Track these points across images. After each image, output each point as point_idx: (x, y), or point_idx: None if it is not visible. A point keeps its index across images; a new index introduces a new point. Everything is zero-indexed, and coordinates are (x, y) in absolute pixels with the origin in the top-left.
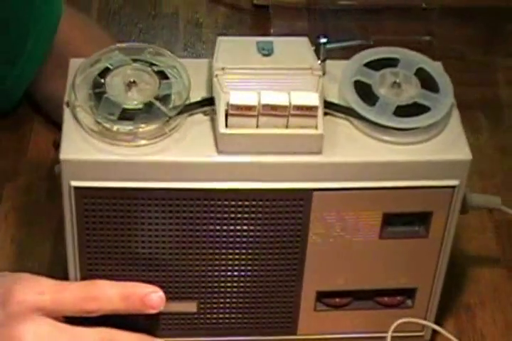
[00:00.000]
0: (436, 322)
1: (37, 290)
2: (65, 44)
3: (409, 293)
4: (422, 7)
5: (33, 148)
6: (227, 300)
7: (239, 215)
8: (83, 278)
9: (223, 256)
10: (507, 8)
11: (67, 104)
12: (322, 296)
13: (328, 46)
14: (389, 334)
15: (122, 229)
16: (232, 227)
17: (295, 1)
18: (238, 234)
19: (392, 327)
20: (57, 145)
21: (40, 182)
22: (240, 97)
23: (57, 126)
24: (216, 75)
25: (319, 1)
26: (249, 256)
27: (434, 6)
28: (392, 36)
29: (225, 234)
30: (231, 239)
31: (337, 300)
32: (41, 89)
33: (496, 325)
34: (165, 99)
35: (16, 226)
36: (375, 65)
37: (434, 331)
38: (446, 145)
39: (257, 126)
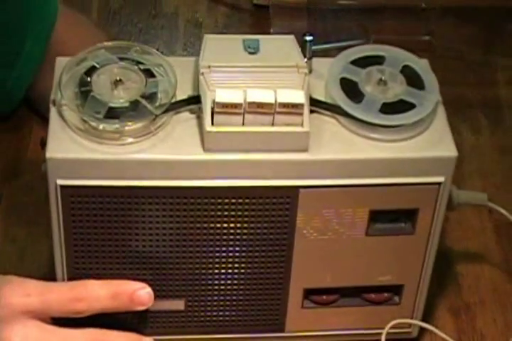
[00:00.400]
0: (436, 322)
1: (23, 292)
2: (61, 44)
3: (396, 289)
4: (422, 7)
5: (33, 148)
6: (215, 298)
7: (225, 213)
8: (70, 276)
9: (210, 254)
10: (507, 8)
11: (54, 103)
12: (309, 293)
13: (328, 46)
14: (384, 332)
15: (109, 228)
16: (218, 225)
17: (295, 1)
18: (225, 231)
19: (387, 328)
20: (43, 144)
21: (40, 182)
22: (225, 95)
23: None
24: (202, 73)
25: (319, 1)
26: (237, 254)
27: (434, 6)
28: (392, 36)
29: (211, 231)
30: (218, 237)
31: (324, 297)
32: (37, 89)
33: (496, 325)
34: (151, 97)
35: (16, 226)
36: (361, 62)
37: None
38: (432, 142)
39: (243, 124)
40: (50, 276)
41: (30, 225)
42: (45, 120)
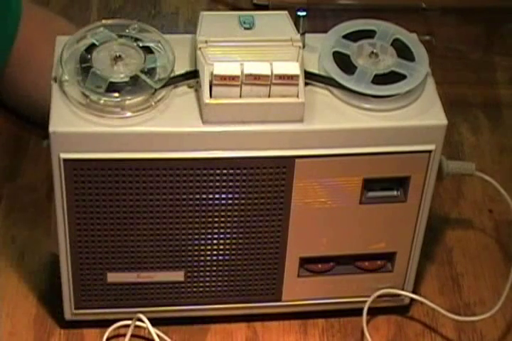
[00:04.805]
0: (436, 321)
1: None
2: (28, 43)
3: (389, 257)
4: (422, 7)
5: (33, 148)
6: (214, 268)
7: (224, 183)
8: (72, 250)
9: (209, 225)
10: (507, 8)
11: (55, 80)
12: (305, 262)
13: None
14: (370, 299)
15: (111, 200)
16: (217, 195)
17: (295, 1)
18: (223, 202)
19: (373, 296)
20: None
21: (40, 182)
22: (223, 68)
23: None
24: (200, 48)
25: (319, 1)
26: (235, 224)
27: (434, 6)
28: None
29: (210, 202)
30: (216, 207)
31: (319, 265)
32: (8, 88)
33: (496, 325)
34: (150, 72)
35: (17, 226)
36: (353, 36)
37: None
38: (422, 112)
39: (241, 96)
40: (50, 276)
41: (30, 225)
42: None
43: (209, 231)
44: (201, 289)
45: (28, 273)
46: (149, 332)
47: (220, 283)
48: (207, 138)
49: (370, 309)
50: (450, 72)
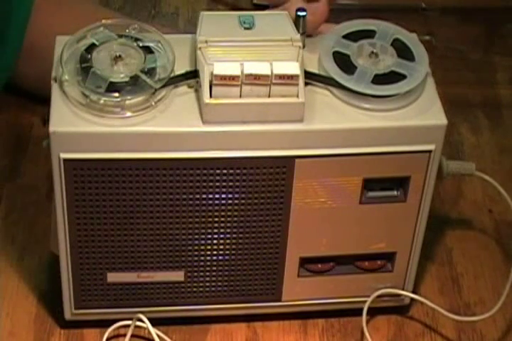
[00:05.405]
0: (436, 321)
1: None
2: (42, 24)
3: (389, 257)
4: (422, 7)
5: (32, 148)
6: (214, 268)
7: (223, 183)
8: (72, 250)
9: (209, 225)
10: (507, 8)
11: (55, 80)
12: (305, 262)
13: None
14: (370, 299)
15: (111, 200)
16: (217, 195)
17: None
18: (223, 202)
19: (373, 296)
20: (45, 121)
21: (40, 182)
22: (223, 67)
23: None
24: (200, 48)
25: None
26: (235, 224)
27: (434, 6)
28: None
29: (210, 202)
30: (216, 207)
31: (319, 265)
32: (23, 70)
33: (496, 325)
34: (150, 72)
35: (17, 226)
36: (353, 36)
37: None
38: (422, 112)
39: (241, 96)
40: (50, 276)
41: (30, 225)
42: (32, 99)
43: (209, 231)
44: (201, 289)
45: (28, 273)
46: (149, 332)
47: (220, 283)
48: (207, 138)
49: (370, 309)
50: (450, 72)
